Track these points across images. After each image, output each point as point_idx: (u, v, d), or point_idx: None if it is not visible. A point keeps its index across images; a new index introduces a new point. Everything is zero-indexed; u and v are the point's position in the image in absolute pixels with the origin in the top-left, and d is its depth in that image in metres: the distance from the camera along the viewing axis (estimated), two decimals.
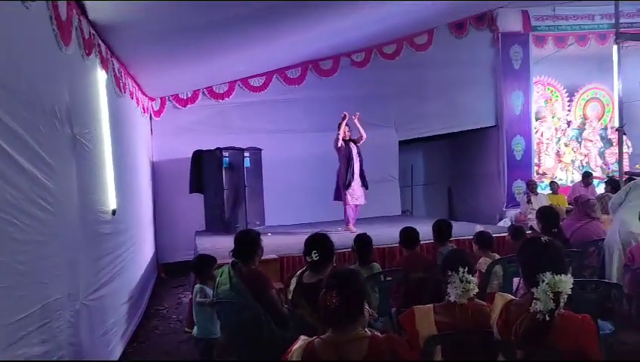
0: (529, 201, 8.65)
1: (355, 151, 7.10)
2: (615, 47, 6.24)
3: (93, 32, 3.95)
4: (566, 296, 2.02)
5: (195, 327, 3.96)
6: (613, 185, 7.56)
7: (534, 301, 2.01)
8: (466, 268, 2.42)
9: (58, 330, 2.79)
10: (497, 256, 4.26)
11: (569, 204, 8.27)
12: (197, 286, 3.98)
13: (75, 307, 3.16)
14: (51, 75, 2.99)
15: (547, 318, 1.98)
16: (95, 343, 3.63)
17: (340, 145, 7.01)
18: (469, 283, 2.40)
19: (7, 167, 2.26)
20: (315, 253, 3.01)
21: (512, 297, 2.38)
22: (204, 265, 4.10)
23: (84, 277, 3.42)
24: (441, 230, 4.54)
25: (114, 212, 4.42)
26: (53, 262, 2.79)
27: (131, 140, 6.01)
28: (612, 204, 4.77)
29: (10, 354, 2.20)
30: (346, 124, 7.09)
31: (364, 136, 7.23)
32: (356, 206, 7.18)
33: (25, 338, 2.33)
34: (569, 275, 2.04)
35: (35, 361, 2.42)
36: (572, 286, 2.04)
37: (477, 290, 2.46)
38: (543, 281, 2.01)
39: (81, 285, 3.34)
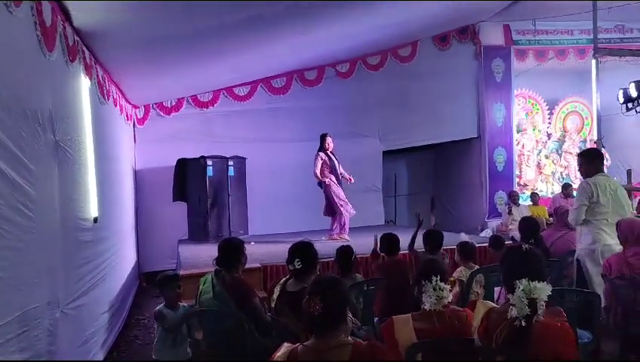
0: (510, 212, 8.77)
1: (336, 162, 7.13)
2: (593, 61, 6.39)
3: (78, 38, 3.94)
4: (543, 304, 2.06)
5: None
6: None
7: (510, 307, 2.05)
8: (439, 277, 2.45)
9: (37, 339, 2.74)
10: (476, 267, 4.31)
11: (549, 215, 8.39)
12: (159, 308, 3.55)
13: (55, 315, 3.11)
14: (34, 80, 2.97)
15: (523, 324, 2.01)
16: (75, 352, 3.57)
17: (321, 177, 7.06)
18: (442, 290, 2.44)
19: None
20: (297, 262, 3.02)
21: (494, 305, 2.41)
22: (165, 282, 3.61)
23: (64, 285, 3.38)
24: (433, 239, 4.58)
25: (95, 220, 4.38)
26: (33, 269, 2.76)
27: (114, 148, 5.97)
28: (576, 216, 4.28)
29: None
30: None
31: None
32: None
33: (3, 346, 2.30)
34: (545, 283, 2.08)
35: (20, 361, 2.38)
36: (549, 293, 2.08)
37: (451, 298, 2.50)
38: (519, 287, 2.05)
39: (61, 293, 3.29)
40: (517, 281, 2.08)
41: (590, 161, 4.36)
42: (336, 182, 7.08)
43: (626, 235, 3.76)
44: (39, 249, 2.87)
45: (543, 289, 2.06)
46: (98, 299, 4.46)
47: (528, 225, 4.59)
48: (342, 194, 7.12)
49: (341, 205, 7.08)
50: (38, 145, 2.93)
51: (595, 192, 4.17)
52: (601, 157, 4.50)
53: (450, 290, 2.53)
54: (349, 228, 7.31)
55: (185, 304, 3.60)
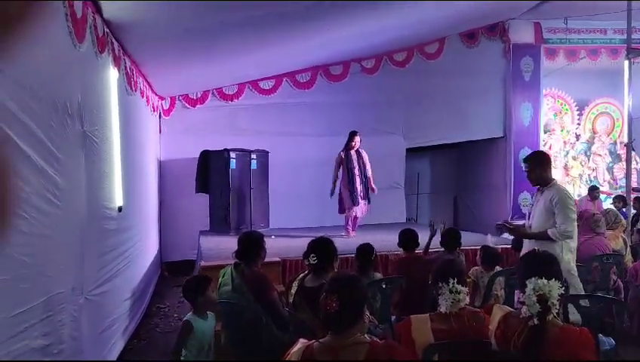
0: None
1: (355, 162, 7.10)
2: (626, 62, 6.23)
3: (107, 30, 4.00)
4: (556, 302, 2.05)
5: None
6: (623, 200, 7.54)
7: (522, 306, 2.06)
8: (456, 279, 2.44)
9: (60, 324, 2.82)
10: (498, 268, 4.27)
11: None
12: (188, 316, 3.19)
13: (79, 301, 3.19)
14: (64, 71, 3.03)
15: (536, 322, 2.01)
16: (96, 338, 3.66)
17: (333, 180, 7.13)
18: (459, 293, 2.42)
19: (19, 161, 2.30)
20: (313, 257, 3.04)
21: (510, 309, 2.39)
22: (195, 289, 3.22)
23: (88, 272, 3.45)
24: (452, 238, 4.53)
25: (120, 209, 4.46)
26: (59, 256, 2.83)
27: (140, 138, 6.06)
28: (575, 230, 3.88)
29: (12, 346, 2.23)
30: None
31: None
32: (356, 216, 7.23)
33: (27, 331, 2.37)
34: (555, 280, 2.09)
35: (34, 361, 2.44)
36: (561, 292, 2.09)
37: (467, 301, 2.48)
38: (529, 286, 2.06)
39: (85, 280, 3.37)
40: (528, 281, 2.10)
41: (547, 165, 3.97)
42: (348, 182, 7.04)
43: None
44: (65, 236, 2.94)
45: (553, 286, 2.05)
46: (121, 286, 4.55)
47: None
48: (348, 196, 7.08)
49: (347, 206, 7.08)
50: (66, 135, 2.99)
51: None
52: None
53: (467, 293, 2.51)
54: (360, 225, 7.36)
55: (213, 314, 3.31)
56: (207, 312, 3.25)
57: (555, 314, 2.14)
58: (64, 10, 2.93)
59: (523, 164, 3.97)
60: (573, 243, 3.86)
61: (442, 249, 4.50)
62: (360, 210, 7.16)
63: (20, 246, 2.32)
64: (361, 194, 7.09)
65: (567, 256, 3.78)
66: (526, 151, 9.94)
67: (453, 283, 2.44)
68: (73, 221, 3.11)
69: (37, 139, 2.50)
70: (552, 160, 10.30)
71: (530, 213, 4.08)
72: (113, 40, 4.27)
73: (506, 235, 8.84)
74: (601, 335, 3.29)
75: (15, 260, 2.27)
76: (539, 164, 3.92)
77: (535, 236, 3.90)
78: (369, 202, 7.23)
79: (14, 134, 2.23)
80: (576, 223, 3.83)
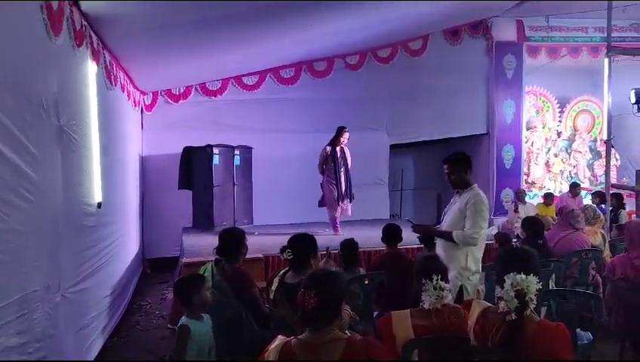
0: (516, 210, 8.73)
1: (339, 156, 7.07)
2: (606, 60, 6.28)
3: (85, 23, 3.93)
4: (534, 297, 2.07)
5: None
6: (601, 197, 7.64)
7: (500, 301, 2.08)
8: (439, 276, 2.45)
9: (36, 322, 2.77)
10: None
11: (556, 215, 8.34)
12: (183, 320, 2.97)
13: (55, 299, 3.14)
14: (39, 64, 2.97)
15: (514, 317, 2.03)
16: (74, 336, 3.61)
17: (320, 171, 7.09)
18: (443, 290, 2.43)
19: None
20: (288, 252, 3.03)
21: (489, 304, 2.41)
22: (190, 289, 3.03)
23: (65, 269, 3.40)
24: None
25: (99, 205, 4.40)
26: (34, 252, 2.78)
27: (120, 133, 5.98)
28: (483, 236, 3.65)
29: None
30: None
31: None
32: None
33: (2, 328, 2.32)
34: (532, 275, 2.10)
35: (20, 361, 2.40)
36: (539, 287, 2.10)
37: (450, 296, 2.49)
38: (507, 281, 2.08)
39: (62, 277, 3.31)
40: (506, 276, 2.11)
41: (467, 167, 3.72)
42: (334, 178, 7.03)
43: (632, 236, 3.73)
44: (40, 233, 2.89)
45: (531, 282, 2.07)
46: (100, 283, 4.49)
47: (531, 225, 4.56)
48: (332, 193, 7.07)
49: (328, 203, 7.07)
50: (41, 129, 2.93)
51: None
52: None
53: (450, 289, 2.52)
54: (344, 221, 7.37)
55: (208, 316, 3.08)
56: (205, 315, 3.04)
57: (532, 310, 2.16)
58: (39, 2, 2.87)
59: (444, 165, 3.72)
60: (479, 254, 3.66)
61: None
62: (344, 208, 7.15)
63: None
64: (345, 192, 7.08)
65: (472, 266, 3.59)
66: (509, 148, 10.06)
67: (437, 280, 2.45)
68: (49, 217, 3.05)
69: (9, 133, 2.45)
70: (534, 157, 10.57)
71: (444, 214, 3.84)
72: (92, 33, 4.20)
73: (488, 230, 8.98)
74: (579, 329, 3.33)
75: None
76: (459, 166, 3.70)
77: (439, 234, 3.76)
78: (351, 200, 7.22)
79: None
80: (484, 232, 3.62)
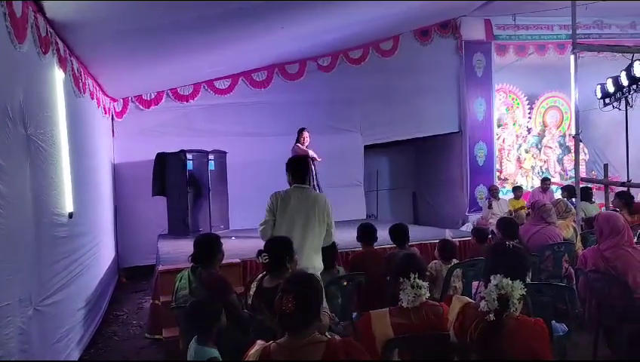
0: (490, 206, 8.87)
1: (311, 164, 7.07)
2: (572, 56, 6.42)
3: (51, 30, 3.85)
4: (516, 301, 2.08)
5: None
6: (569, 191, 7.82)
7: (481, 300, 2.08)
8: (417, 274, 2.46)
9: (7, 337, 2.69)
10: (455, 261, 4.34)
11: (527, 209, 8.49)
12: (193, 345, 2.76)
13: (27, 313, 3.05)
14: (4, 73, 2.90)
15: (492, 318, 2.04)
16: (49, 350, 3.51)
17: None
18: (421, 288, 2.45)
19: None
20: (264, 256, 3.01)
21: (469, 300, 2.43)
22: (205, 316, 2.79)
23: (37, 281, 3.32)
24: (401, 233, 4.59)
25: (71, 215, 4.31)
26: (4, 266, 2.70)
27: (91, 141, 5.87)
28: (261, 232, 3.89)
29: None
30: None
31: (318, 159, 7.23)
32: None
33: None
34: (519, 281, 2.11)
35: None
36: (522, 293, 2.11)
37: (428, 294, 2.50)
38: (492, 282, 2.08)
39: (34, 290, 3.23)
40: (492, 276, 2.12)
41: (290, 170, 4.00)
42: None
43: (601, 228, 3.80)
44: (10, 245, 2.81)
45: (515, 288, 2.08)
46: (74, 295, 4.39)
47: (507, 226, 4.62)
48: None
49: None
50: (8, 139, 2.86)
51: (276, 205, 3.93)
52: (304, 166, 4.01)
53: (427, 287, 2.53)
54: None
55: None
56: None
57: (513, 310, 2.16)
58: (1, 9, 2.80)
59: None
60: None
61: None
62: None
63: None
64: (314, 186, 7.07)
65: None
66: (481, 146, 10.21)
67: (414, 278, 2.46)
68: (18, 229, 2.97)
69: None
70: (506, 153, 10.75)
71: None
72: (58, 40, 4.12)
73: (464, 227, 9.10)
74: (554, 321, 3.39)
75: None
76: (286, 169, 4.06)
77: None
78: None
79: None
80: (263, 227, 3.95)
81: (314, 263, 3.69)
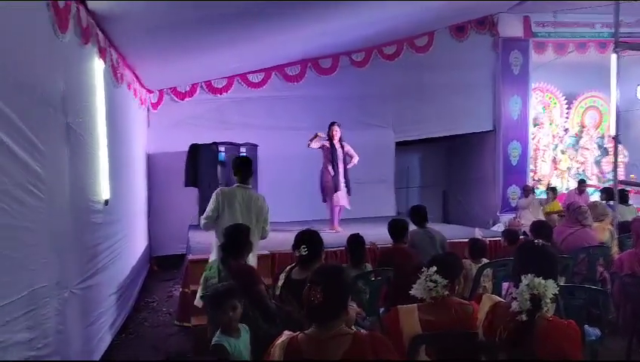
0: (527, 196, 8.69)
1: (339, 153, 7.05)
2: (613, 56, 6.23)
3: (92, 20, 3.94)
4: (548, 301, 2.04)
5: None
6: (608, 193, 7.60)
7: (512, 300, 2.04)
8: (437, 269, 2.44)
9: (44, 318, 2.78)
10: (485, 260, 4.29)
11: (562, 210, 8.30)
12: (216, 338, 2.66)
13: (64, 295, 3.15)
14: (47, 62, 2.99)
15: (524, 318, 2.00)
16: (83, 332, 3.63)
17: (316, 146, 6.99)
18: (433, 282, 2.42)
19: (0, 153, 2.26)
20: (304, 248, 3.04)
21: (500, 299, 2.40)
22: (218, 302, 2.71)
23: (73, 265, 3.42)
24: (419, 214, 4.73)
25: (106, 202, 4.42)
26: (42, 249, 2.79)
27: (127, 131, 6.01)
28: (202, 225, 4.28)
29: None
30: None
31: (355, 160, 7.19)
32: (340, 207, 7.19)
33: (10, 324, 2.34)
34: (552, 281, 2.06)
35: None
36: (555, 292, 2.06)
37: (445, 292, 2.46)
38: (524, 282, 2.04)
39: (71, 273, 3.34)
40: (524, 276, 2.07)
41: (235, 169, 4.35)
42: (331, 172, 7.00)
43: (638, 232, 3.70)
44: (49, 229, 2.90)
45: (548, 287, 2.04)
46: (107, 280, 4.51)
47: (540, 229, 4.52)
48: (329, 179, 7.01)
49: (326, 192, 7.06)
50: (49, 126, 2.95)
51: (222, 202, 4.15)
52: (246, 166, 4.37)
53: (448, 286, 2.49)
54: (350, 218, 7.33)
55: (243, 325, 2.80)
56: (241, 326, 2.76)
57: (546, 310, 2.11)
58: (45, 1, 2.88)
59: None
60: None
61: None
62: (343, 198, 7.10)
63: (2, 239, 2.28)
64: (343, 182, 7.06)
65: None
66: (515, 145, 10.02)
67: (433, 273, 2.45)
68: (57, 214, 3.07)
69: (19, 130, 2.46)
70: (541, 154, 10.51)
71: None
72: (98, 31, 4.22)
73: (494, 227, 8.96)
74: (587, 326, 3.31)
75: None
76: (232, 167, 4.41)
77: None
78: (349, 193, 7.19)
79: None
80: (204, 221, 4.20)
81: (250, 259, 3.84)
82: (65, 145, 3.29)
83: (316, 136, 6.93)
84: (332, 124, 7.10)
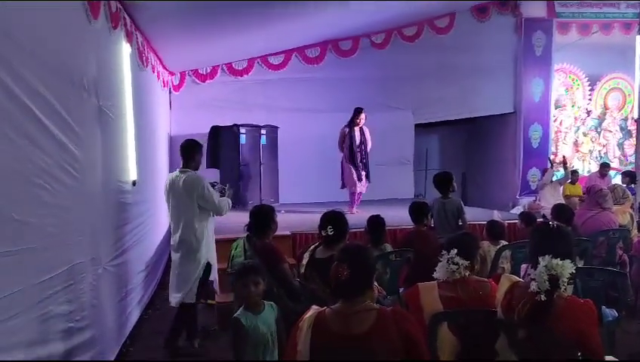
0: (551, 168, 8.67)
1: (358, 135, 7.08)
2: (638, 37, 6.16)
3: (120, 5, 4.03)
4: (565, 281, 2.10)
5: None
6: (630, 176, 7.55)
7: (532, 281, 2.11)
8: (456, 251, 2.51)
9: (82, 292, 2.93)
10: (504, 242, 4.34)
11: (583, 194, 8.26)
12: (237, 314, 2.67)
13: (98, 271, 3.30)
14: (80, 47, 3.09)
15: (543, 298, 2.07)
16: (114, 307, 3.79)
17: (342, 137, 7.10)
18: (455, 264, 2.49)
19: (40, 134, 2.38)
20: (330, 228, 3.13)
21: (518, 279, 2.46)
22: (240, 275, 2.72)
23: (105, 243, 3.57)
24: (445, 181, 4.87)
25: (134, 183, 4.56)
26: (78, 226, 2.93)
27: (151, 113, 6.13)
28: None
29: (39, 310, 2.35)
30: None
31: (369, 146, 7.25)
32: (360, 193, 7.27)
33: (52, 297, 2.48)
34: (569, 261, 2.12)
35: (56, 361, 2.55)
36: (573, 271, 2.12)
37: (467, 273, 2.54)
38: (542, 263, 2.10)
39: (103, 251, 3.48)
40: (541, 257, 2.13)
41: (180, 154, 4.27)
42: (350, 158, 7.05)
43: None
44: (84, 208, 3.04)
45: (565, 267, 2.10)
46: (136, 258, 4.67)
47: (561, 212, 4.55)
48: (351, 173, 7.10)
49: (347, 182, 7.12)
50: (83, 109, 3.07)
51: (167, 190, 4.22)
52: (185, 150, 4.24)
53: (468, 267, 2.56)
54: (368, 200, 7.40)
55: (271, 303, 2.79)
56: (266, 302, 2.75)
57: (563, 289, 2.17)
58: None
59: None
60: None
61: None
62: (361, 186, 7.20)
63: (44, 216, 2.41)
64: (363, 171, 7.12)
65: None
66: (536, 127, 9.94)
67: (454, 254, 2.52)
68: (91, 193, 3.20)
69: (56, 112, 2.58)
70: (562, 136, 10.41)
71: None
72: (125, 15, 4.30)
73: (514, 210, 8.95)
74: (604, 307, 3.36)
75: (40, 229, 2.37)
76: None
77: None
78: (369, 179, 7.25)
79: (35, 106, 2.30)
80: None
81: (190, 236, 4.09)
82: (97, 127, 3.40)
83: (343, 137, 7.00)
84: (360, 111, 7.09)
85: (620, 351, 3.07)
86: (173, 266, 4.26)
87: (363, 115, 7.09)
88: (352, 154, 7.04)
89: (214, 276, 4.62)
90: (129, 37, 4.43)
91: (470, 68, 9.42)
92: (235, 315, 2.66)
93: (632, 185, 6.86)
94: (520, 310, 2.22)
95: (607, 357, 2.34)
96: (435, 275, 2.57)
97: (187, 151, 4.27)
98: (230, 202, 4.52)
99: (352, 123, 7.08)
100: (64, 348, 2.63)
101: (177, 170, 4.27)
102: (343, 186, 7.32)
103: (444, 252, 2.57)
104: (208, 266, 4.26)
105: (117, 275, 3.87)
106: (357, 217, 5.91)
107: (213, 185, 4.51)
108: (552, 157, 9.82)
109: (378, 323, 1.96)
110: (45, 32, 2.51)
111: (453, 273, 2.52)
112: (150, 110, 5.98)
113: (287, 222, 5.94)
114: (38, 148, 2.36)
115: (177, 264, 4.22)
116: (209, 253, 4.31)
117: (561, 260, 2.11)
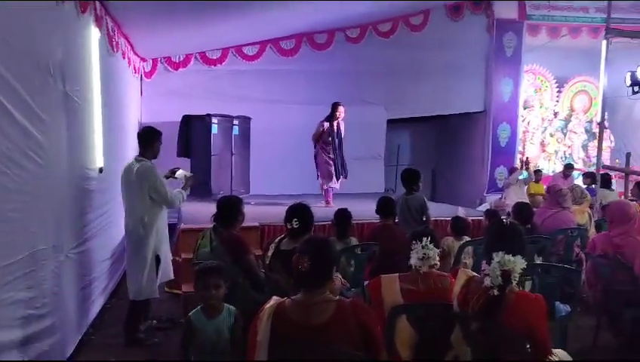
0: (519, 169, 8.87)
1: (335, 132, 7.02)
2: (604, 42, 6.34)
3: None
4: (517, 276, 2.19)
5: None
6: (592, 178, 7.79)
7: (485, 276, 2.19)
8: (429, 238, 2.58)
9: (43, 279, 2.91)
10: (467, 238, 4.45)
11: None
12: (192, 313, 2.67)
13: (60, 258, 3.27)
14: (47, 30, 3.04)
15: (496, 293, 2.15)
16: (76, 295, 3.76)
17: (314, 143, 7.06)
18: (430, 250, 2.56)
19: (2, 118, 2.34)
20: (295, 221, 3.16)
21: (474, 274, 2.54)
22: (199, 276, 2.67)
23: (69, 230, 3.53)
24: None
25: (101, 170, 4.51)
26: (41, 213, 2.90)
27: (121, 100, 6.05)
28: None
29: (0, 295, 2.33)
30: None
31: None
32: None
33: (12, 283, 2.46)
34: (520, 256, 2.21)
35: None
36: (523, 267, 2.21)
37: (437, 261, 2.62)
38: (495, 259, 2.18)
39: (66, 238, 3.45)
40: (494, 254, 2.22)
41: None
42: (331, 154, 7.06)
43: (612, 216, 3.87)
44: (48, 194, 3.00)
45: (517, 263, 2.19)
46: (100, 246, 4.63)
47: (521, 211, 4.68)
48: (329, 168, 7.10)
49: (323, 177, 7.17)
50: (48, 94, 3.02)
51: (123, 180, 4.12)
52: (153, 138, 4.29)
53: (438, 255, 2.64)
54: (338, 194, 7.43)
55: (230, 306, 2.71)
56: (226, 307, 2.66)
57: (515, 284, 2.27)
58: None
59: None
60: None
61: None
62: (335, 183, 7.24)
63: (5, 201, 2.38)
64: (340, 169, 7.15)
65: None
66: (504, 127, 10.15)
67: (426, 242, 2.59)
68: (55, 179, 3.16)
69: (19, 97, 2.54)
70: (530, 136, 10.68)
71: None
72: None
73: (480, 207, 9.14)
74: (558, 302, 3.49)
75: (1, 215, 2.34)
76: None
77: None
78: (346, 172, 7.28)
79: None
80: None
81: (137, 227, 4.01)
82: (63, 112, 3.36)
83: (322, 132, 6.96)
84: (338, 104, 7.06)
85: (572, 345, 3.19)
86: (125, 257, 4.20)
87: (342, 109, 7.08)
88: (334, 151, 7.04)
89: (168, 267, 4.41)
90: (98, 21, 4.36)
91: (443, 66, 9.55)
92: (189, 314, 2.64)
93: (593, 186, 7.08)
94: (474, 304, 2.30)
95: (559, 351, 2.44)
96: (411, 262, 2.62)
97: (144, 139, 4.21)
98: (185, 194, 4.44)
99: (331, 117, 7.05)
100: (23, 335, 2.61)
101: (133, 158, 4.17)
102: (319, 177, 7.31)
103: (414, 241, 2.63)
104: (158, 259, 4.14)
105: (80, 263, 3.84)
106: (326, 210, 5.97)
107: (174, 171, 4.44)
108: (520, 157, 10.07)
109: (337, 314, 2.01)
110: (9, 14, 2.46)
111: (427, 259, 2.58)
112: (119, 96, 5.90)
113: (256, 213, 5.94)
114: (0, 133, 2.32)
115: (127, 255, 4.18)
116: (160, 245, 4.17)
117: (513, 256, 2.19)
